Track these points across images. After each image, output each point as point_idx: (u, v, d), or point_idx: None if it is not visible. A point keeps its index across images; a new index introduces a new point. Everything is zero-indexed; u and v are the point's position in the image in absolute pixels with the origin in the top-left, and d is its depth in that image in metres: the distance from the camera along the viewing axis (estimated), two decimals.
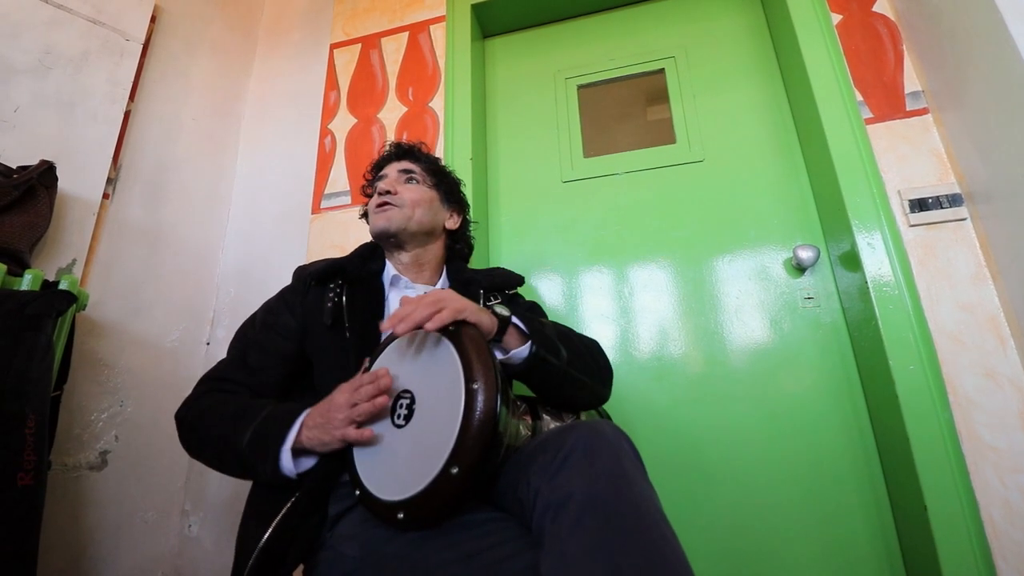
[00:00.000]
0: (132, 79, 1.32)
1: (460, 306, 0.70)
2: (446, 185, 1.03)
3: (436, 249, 1.00)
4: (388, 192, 0.94)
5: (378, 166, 1.05)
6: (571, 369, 0.80)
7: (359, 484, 0.67)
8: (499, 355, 0.76)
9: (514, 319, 0.77)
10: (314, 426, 0.70)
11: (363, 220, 1.06)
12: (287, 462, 0.70)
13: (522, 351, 0.77)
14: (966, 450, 0.97)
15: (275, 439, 0.70)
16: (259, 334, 0.86)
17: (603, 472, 0.54)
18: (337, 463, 0.72)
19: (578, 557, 0.49)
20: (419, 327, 0.67)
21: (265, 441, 0.71)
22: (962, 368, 1.01)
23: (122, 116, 1.28)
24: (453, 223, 1.03)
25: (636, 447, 0.62)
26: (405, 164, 1.00)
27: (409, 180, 0.98)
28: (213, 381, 0.83)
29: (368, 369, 0.75)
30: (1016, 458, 0.95)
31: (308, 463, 0.72)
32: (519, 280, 1.03)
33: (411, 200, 0.94)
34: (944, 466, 0.96)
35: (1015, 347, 0.99)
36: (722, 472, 1.19)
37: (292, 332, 0.85)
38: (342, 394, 0.71)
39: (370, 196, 1.03)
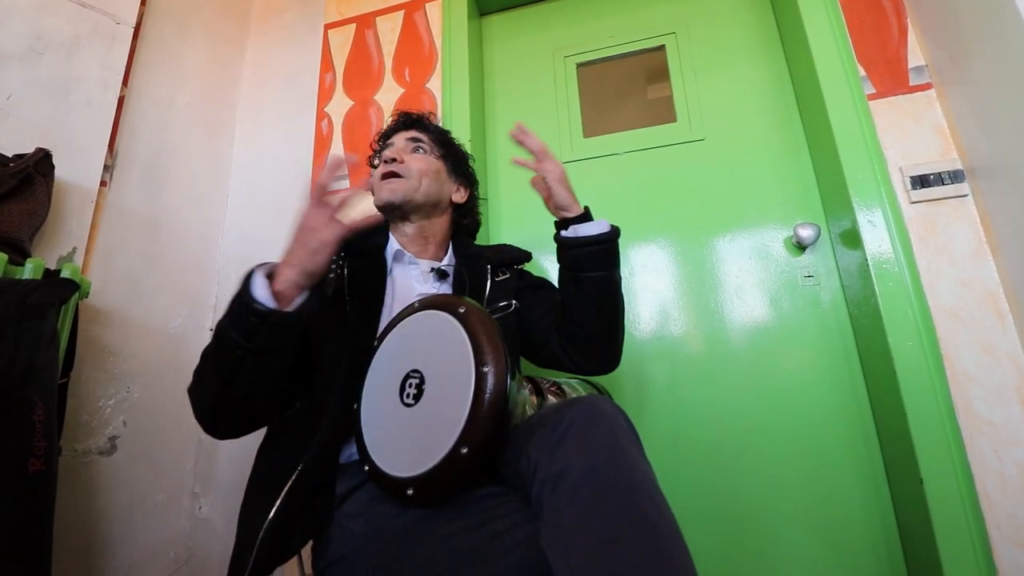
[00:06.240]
0: (125, 64, 1.29)
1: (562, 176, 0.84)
2: (454, 156, 1.01)
3: (442, 223, 0.98)
4: (394, 160, 0.92)
5: (385, 135, 1.02)
6: (620, 288, 0.86)
7: (368, 459, 0.69)
8: (568, 234, 0.83)
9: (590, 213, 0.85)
10: (294, 263, 0.69)
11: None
12: (261, 290, 0.66)
13: (602, 223, 0.82)
14: (963, 424, 0.98)
15: (242, 293, 0.67)
16: None
17: (600, 446, 0.56)
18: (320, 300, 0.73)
19: (575, 527, 0.51)
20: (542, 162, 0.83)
21: (236, 306, 0.67)
22: (960, 344, 1.02)
23: (116, 102, 1.26)
24: (460, 196, 1.01)
25: (632, 422, 0.63)
26: (413, 133, 0.98)
27: (416, 149, 0.96)
28: None
29: (381, 342, 0.77)
30: (1012, 431, 0.96)
31: (299, 300, 0.69)
32: (527, 256, 1.02)
33: (418, 170, 0.92)
34: (941, 440, 0.97)
35: (1013, 322, 1.00)
36: (721, 449, 1.20)
37: None
38: (307, 214, 0.70)
39: (375, 167, 1.01)
